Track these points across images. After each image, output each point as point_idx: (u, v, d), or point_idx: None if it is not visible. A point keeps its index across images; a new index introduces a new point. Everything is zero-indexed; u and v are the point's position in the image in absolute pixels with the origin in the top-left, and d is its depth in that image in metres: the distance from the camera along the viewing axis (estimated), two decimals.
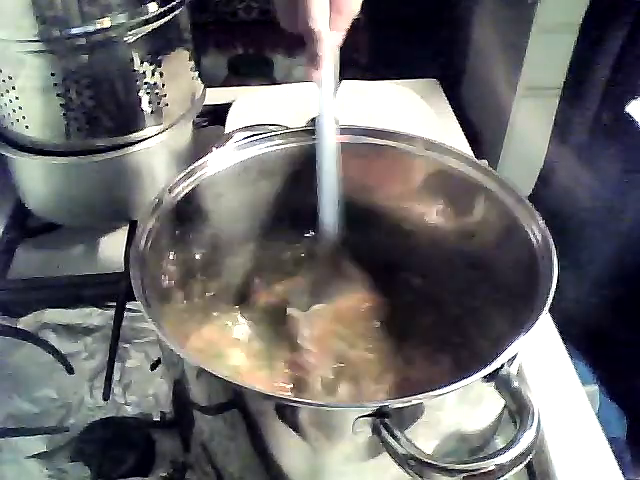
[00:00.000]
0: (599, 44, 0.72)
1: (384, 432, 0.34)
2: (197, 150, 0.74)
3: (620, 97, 0.71)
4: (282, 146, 0.53)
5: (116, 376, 0.58)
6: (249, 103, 0.88)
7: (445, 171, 0.52)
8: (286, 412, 0.37)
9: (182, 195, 0.49)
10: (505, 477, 0.34)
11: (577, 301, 0.71)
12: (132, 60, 0.61)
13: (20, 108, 0.62)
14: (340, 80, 0.48)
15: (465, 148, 0.85)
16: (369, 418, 0.35)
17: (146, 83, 0.63)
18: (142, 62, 0.62)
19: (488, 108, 1.04)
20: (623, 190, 0.75)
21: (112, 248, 0.73)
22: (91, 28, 0.58)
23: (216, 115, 0.88)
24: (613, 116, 0.72)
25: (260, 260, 0.58)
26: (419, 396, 0.35)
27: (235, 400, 0.38)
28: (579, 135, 0.78)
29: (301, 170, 0.54)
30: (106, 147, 0.65)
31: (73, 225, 0.73)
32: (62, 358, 0.59)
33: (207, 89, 0.76)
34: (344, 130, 0.55)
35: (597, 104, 0.74)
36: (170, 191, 0.49)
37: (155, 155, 0.69)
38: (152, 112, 0.66)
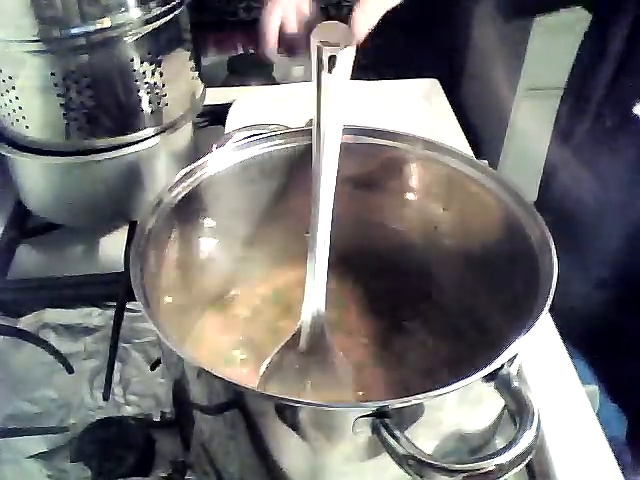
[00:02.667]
0: (602, 45, 0.72)
1: (384, 432, 0.34)
2: (197, 150, 0.74)
3: (623, 98, 0.71)
4: (282, 146, 0.53)
5: (116, 376, 0.58)
6: (249, 103, 0.88)
7: (445, 171, 0.52)
8: (286, 412, 0.37)
9: (182, 195, 0.49)
10: (505, 477, 0.34)
11: (577, 300, 0.71)
12: (132, 60, 0.61)
13: (20, 108, 0.62)
14: None
15: (465, 148, 0.85)
16: (369, 418, 0.35)
17: (146, 83, 0.63)
18: (142, 62, 0.62)
19: (488, 108, 1.04)
20: (625, 191, 0.76)
21: (112, 248, 0.73)
22: (91, 28, 0.58)
23: (216, 115, 0.88)
24: (617, 117, 0.72)
25: (260, 260, 0.58)
26: (419, 396, 0.35)
27: (235, 400, 0.38)
28: (581, 136, 0.78)
29: (301, 170, 0.54)
30: (106, 147, 0.65)
31: (73, 225, 0.73)
32: (62, 358, 0.59)
33: (207, 89, 0.76)
34: (344, 130, 0.54)
35: (599, 104, 0.74)
36: (170, 191, 0.49)
37: (155, 155, 0.69)
38: (152, 112, 0.65)
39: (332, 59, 0.39)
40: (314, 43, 0.39)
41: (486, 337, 0.53)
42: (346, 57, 0.39)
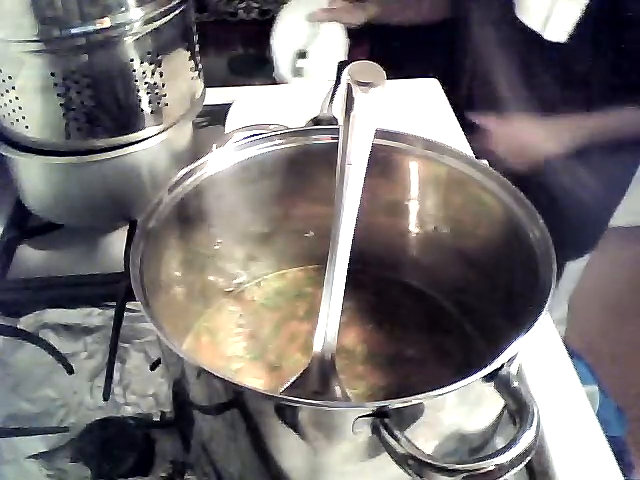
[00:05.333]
0: None
1: (384, 432, 0.35)
2: (197, 150, 0.74)
3: None
4: (282, 146, 0.53)
5: (116, 376, 0.58)
6: (249, 103, 0.88)
7: (445, 171, 0.52)
8: (286, 412, 0.37)
9: (182, 195, 0.49)
10: (505, 477, 0.34)
11: None
12: (132, 60, 0.61)
13: (20, 108, 0.62)
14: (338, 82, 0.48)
15: (465, 148, 0.85)
16: (369, 418, 0.35)
17: (146, 83, 0.63)
18: (142, 62, 0.62)
19: (488, 108, 1.04)
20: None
21: (112, 248, 0.73)
22: (91, 28, 0.58)
23: (216, 115, 0.88)
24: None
25: (260, 260, 0.58)
26: (419, 396, 0.35)
27: (235, 400, 0.38)
28: None
29: (301, 170, 0.54)
30: (106, 147, 0.65)
31: (73, 225, 0.73)
32: (62, 358, 0.59)
33: (207, 89, 0.76)
34: None
35: None
36: (170, 191, 0.49)
37: (155, 155, 0.69)
38: (152, 112, 0.65)
39: (362, 98, 0.39)
40: (345, 81, 0.39)
41: (486, 337, 0.53)
42: (376, 97, 0.39)
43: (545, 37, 0.90)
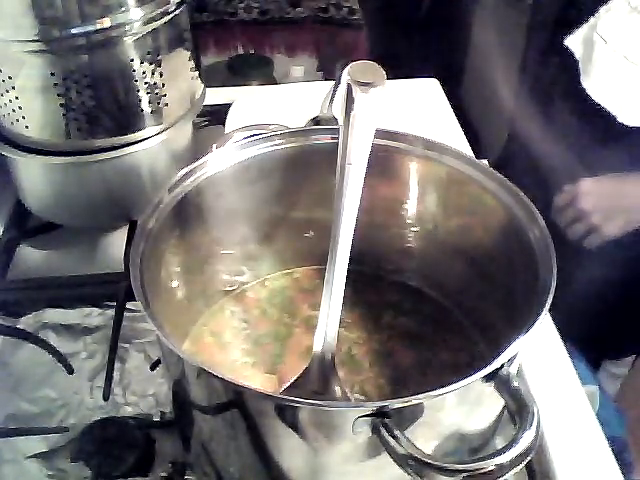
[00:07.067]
0: None
1: (384, 432, 0.35)
2: (197, 150, 0.74)
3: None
4: (282, 146, 0.53)
5: (116, 376, 0.58)
6: (249, 103, 0.88)
7: (445, 171, 0.52)
8: (286, 412, 0.37)
9: (182, 195, 0.49)
10: (505, 477, 0.34)
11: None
12: (132, 60, 0.61)
13: (20, 108, 0.62)
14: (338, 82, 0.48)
15: (465, 148, 0.85)
16: (369, 418, 0.35)
17: (146, 83, 0.63)
18: (142, 62, 0.62)
19: (488, 108, 1.04)
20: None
21: (112, 248, 0.73)
22: (91, 28, 0.58)
23: (216, 115, 0.88)
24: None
25: (260, 260, 0.58)
26: (419, 396, 0.35)
27: (235, 400, 0.38)
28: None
29: (301, 170, 0.54)
30: (106, 147, 0.65)
31: (73, 225, 0.74)
32: (62, 358, 0.59)
33: (207, 89, 0.76)
34: None
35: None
36: (170, 191, 0.49)
37: (155, 155, 0.69)
38: (152, 112, 0.66)
39: (362, 98, 0.39)
40: (345, 81, 0.39)
41: (486, 337, 0.53)
42: (376, 97, 0.39)
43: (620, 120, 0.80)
